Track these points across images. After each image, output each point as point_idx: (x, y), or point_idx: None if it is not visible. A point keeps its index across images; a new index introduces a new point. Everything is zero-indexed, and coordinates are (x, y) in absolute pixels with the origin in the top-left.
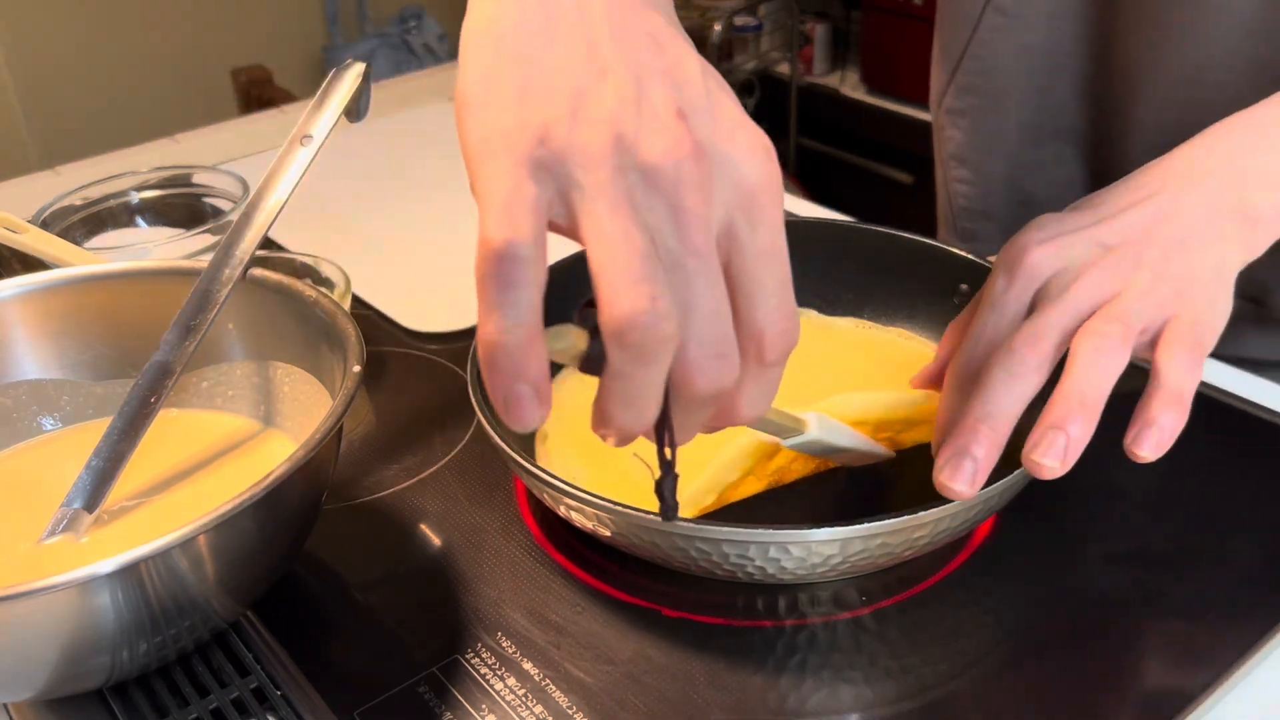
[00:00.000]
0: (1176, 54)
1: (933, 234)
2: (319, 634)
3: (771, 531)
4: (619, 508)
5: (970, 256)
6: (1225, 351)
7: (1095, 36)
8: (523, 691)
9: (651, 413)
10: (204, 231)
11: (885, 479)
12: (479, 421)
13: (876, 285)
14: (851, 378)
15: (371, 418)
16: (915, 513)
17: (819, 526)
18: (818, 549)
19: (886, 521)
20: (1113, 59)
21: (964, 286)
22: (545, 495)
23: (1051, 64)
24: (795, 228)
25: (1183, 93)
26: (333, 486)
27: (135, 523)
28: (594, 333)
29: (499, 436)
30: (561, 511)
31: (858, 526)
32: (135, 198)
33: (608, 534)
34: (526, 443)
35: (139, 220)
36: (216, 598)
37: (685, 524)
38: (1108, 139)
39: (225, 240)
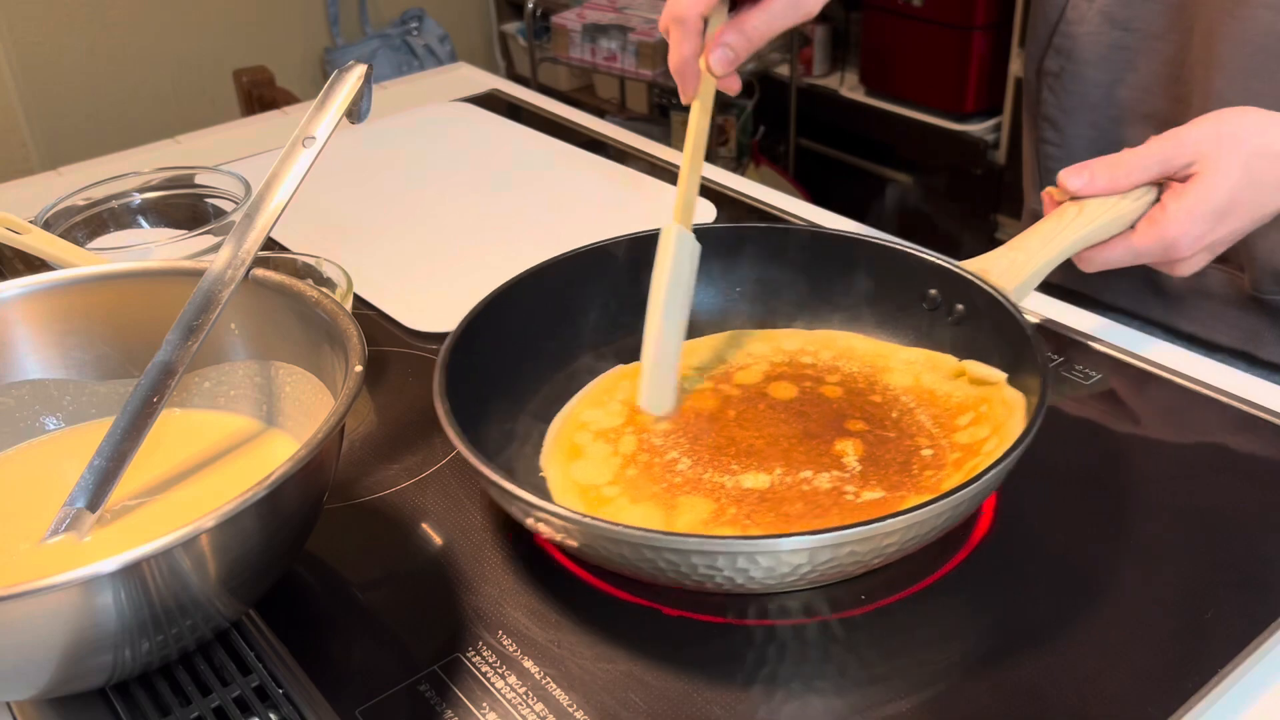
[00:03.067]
0: (1253, 21)
1: (932, 234)
2: (320, 632)
3: (739, 541)
4: (585, 519)
5: (939, 261)
6: (1244, 348)
7: (1179, 6)
8: (523, 690)
9: None
10: (206, 232)
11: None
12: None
13: (847, 290)
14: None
15: (372, 417)
16: (882, 520)
17: (787, 536)
18: (786, 558)
19: (853, 530)
20: (1195, 27)
21: (933, 291)
22: (514, 508)
23: (1136, 38)
24: (764, 234)
25: (1259, 60)
26: (334, 486)
27: (138, 522)
28: None
29: (467, 449)
30: (530, 524)
31: (825, 535)
32: (137, 198)
33: (575, 545)
34: (494, 455)
35: (141, 221)
36: (218, 597)
37: (653, 534)
38: (1187, 117)
39: (227, 241)
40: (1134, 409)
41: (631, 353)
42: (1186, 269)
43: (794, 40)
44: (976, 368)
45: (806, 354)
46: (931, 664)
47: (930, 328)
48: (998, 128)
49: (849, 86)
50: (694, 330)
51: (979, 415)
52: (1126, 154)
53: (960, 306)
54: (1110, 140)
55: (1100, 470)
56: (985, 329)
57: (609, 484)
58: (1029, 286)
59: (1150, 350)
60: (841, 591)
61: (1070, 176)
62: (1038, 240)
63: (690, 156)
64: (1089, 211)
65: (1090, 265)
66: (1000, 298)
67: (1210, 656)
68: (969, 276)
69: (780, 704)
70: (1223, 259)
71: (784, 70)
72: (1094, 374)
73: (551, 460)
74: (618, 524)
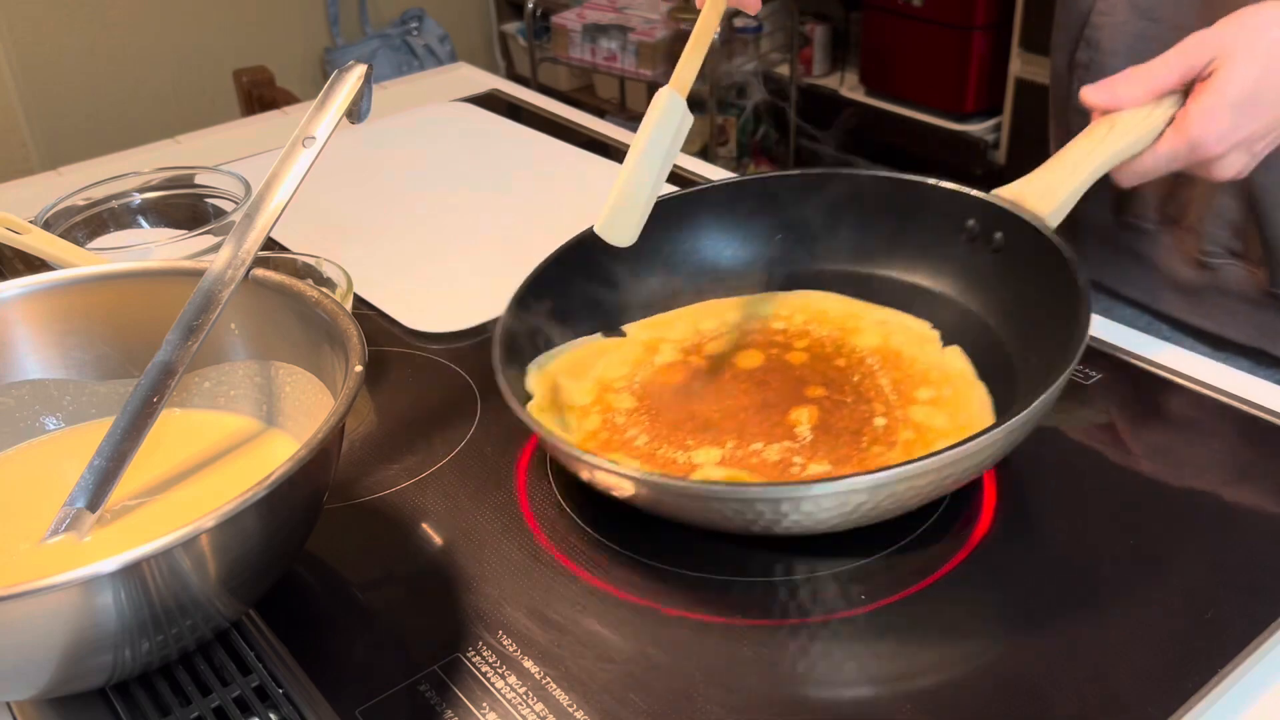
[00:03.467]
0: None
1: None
2: (321, 633)
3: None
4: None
5: (976, 194)
6: (1257, 345)
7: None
8: (523, 689)
9: None
10: (206, 232)
11: None
12: (478, 419)
13: (882, 229)
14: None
15: (373, 417)
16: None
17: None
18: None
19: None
20: (1216, 16)
21: (970, 222)
22: (584, 470)
23: (1162, 29)
24: (801, 180)
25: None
26: (334, 486)
27: (138, 522)
28: None
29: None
30: (598, 479)
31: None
32: (137, 198)
33: (634, 494)
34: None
35: (141, 221)
36: (218, 597)
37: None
38: None
39: (227, 241)
40: (1135, 409)
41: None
42: (1225, 170)
43: (794, 40)
44: (958, 358)
45: (779, 319)
46: (931, 664)
47: (970, 257)
48: (998, 128)
49: (849, 86)
50: (727, 278)
51: (939, 397)
52: (1149, 63)
53: (999, 235)
54: None
55: (1101, 470)
56: (1025, 255)
57: None
58: (1066, 207)
59: (1153, 351)
60: (841, 591)
61: (1093, 93)
62: (1071, 161)
63: (694, 40)
64: (1120, 127)
65: (1126, 179)
66: (1038, 225)
67: (1210, 656)
68: (1005, 206)
69: (781, 704)
70: (1242, 255)
71: (784, 70)
72: (1095, 374)
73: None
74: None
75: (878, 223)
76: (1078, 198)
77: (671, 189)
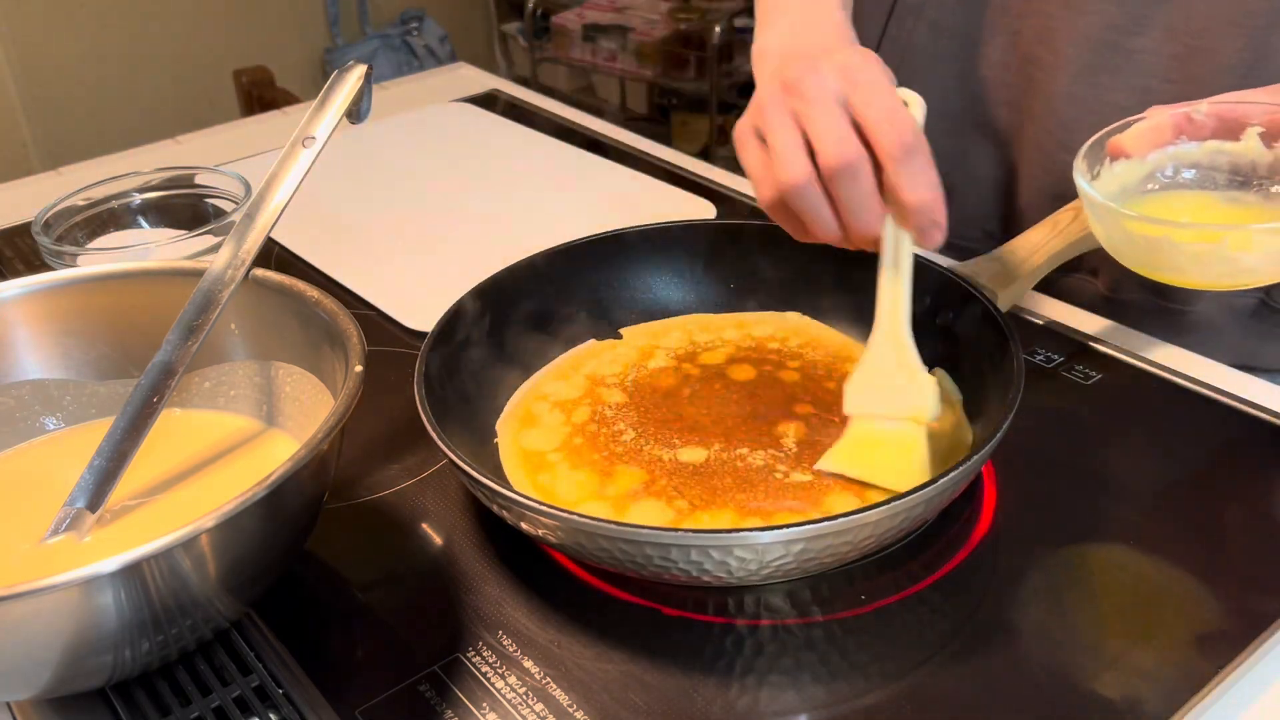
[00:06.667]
0: (1096, 15)
1: None
2: (321, 632)
3: (697, 535)
4: (560, 512)
5: (929, 263)
6: (1238, 363)
7: (1008, 7)
8: (523, 690)
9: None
10: (206, 232)
11: None
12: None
13: (840, 291)
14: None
15: (372, 417)
16: (849, 515)
17: (765, 529)
18: (740, 553)
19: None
20: (1028, 26)
21: (923, 294)
22: (495, 505)
23: (965, 43)
24: (758, 231)
25: (1101, 57)
26: (334, 486)
27: (138, 522)
28: None
29: (445, 446)
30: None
31: (775, 532)
32: (137, 199)
33: (554, 540)
34: (474, 450)
35: (141, 221)
36: (218, 596)
37: (604, 524)
38: (1025, 122)
39: (227, 241)
40: (1134, 409)
41: (609, 329)
42: None
43: None
44: (943, 380)
45: (774, 340)
46: (931, 664)
47: (918, 330)
48: None
49: None
50: (672, 315)
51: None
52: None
53: (949, 310)
54: (945, 160)
55: (1100, 470)
56: (971, 333)
57: (553, 450)
58: (1021, 290)
59: (1150, 350)
60: (841, 592)
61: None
62: (1029, 246)
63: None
64: (1083, 218)
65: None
66: (987, 303)
67: (1210, 656)
68: (958, 280)
69: (781, 705)
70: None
71: None
72: (1094, 374)
73: (505, 426)
74: (574, 513)
75: (828, 279)
76: (1034, 281)
77: (632, 225)
